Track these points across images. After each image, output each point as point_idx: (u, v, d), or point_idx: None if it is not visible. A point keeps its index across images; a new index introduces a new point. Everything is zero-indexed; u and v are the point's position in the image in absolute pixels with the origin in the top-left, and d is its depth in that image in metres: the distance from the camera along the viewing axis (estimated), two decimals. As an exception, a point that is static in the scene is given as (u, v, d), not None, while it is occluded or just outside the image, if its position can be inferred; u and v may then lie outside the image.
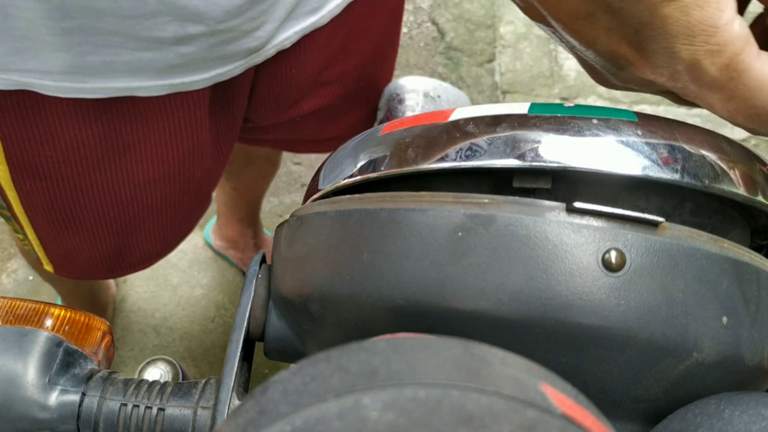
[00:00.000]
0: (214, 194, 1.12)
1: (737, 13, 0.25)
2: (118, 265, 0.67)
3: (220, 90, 0.56)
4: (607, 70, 0.29)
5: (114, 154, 0.55)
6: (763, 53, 0.25)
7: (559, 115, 0.27)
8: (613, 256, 0.24)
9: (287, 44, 0.58)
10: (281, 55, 0.57)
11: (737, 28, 0.24)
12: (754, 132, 0.27)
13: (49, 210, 0.58)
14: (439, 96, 0.70)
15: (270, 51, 0.56)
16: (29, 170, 0.54)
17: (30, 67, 0.46)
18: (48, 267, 0.67)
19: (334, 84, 0.67)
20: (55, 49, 0.45)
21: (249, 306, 0.32)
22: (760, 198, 0.28)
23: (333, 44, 0.61)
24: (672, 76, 0.26)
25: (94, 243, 0.62)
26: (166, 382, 0.31)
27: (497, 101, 1.55)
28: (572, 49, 0.29)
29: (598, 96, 1.58)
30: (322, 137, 0.76)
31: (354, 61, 0.66)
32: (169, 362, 1.11)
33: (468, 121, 0.28)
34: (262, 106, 0.63)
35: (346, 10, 0.59)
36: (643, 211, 0.25)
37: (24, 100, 0.48)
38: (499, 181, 0.29)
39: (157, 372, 1.09)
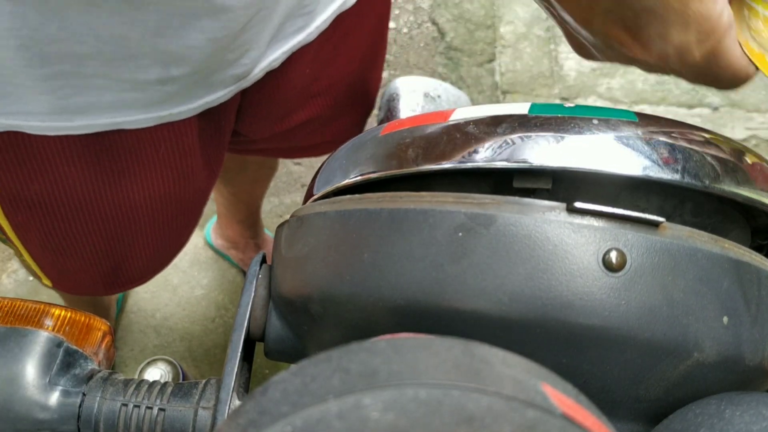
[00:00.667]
0: (211, 195, 1.12)
1: None
2: (115, 282, 0.67)
3: (208, 114, 0.55)
4: (596, 47, 0.30)
5: (104, 184, 0.55)
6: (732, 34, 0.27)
7: (559, 115, 0.27)
8: (613, 256, 0.24)
9: (276, 65, 0.57)
10: (269, 73, 0.57)
11: (725, 19, 0.26)
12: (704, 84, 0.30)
13: (43, 238, 0.58)
14: (439, 96, 0.70)
15: (258, 74, 0.56)
16: (20, 203, 0.54)
17: (15, 109, 0.46)
18: (46, 282, 0.68)
19: (324, 95, 0.67)
20: (38, 93, 0.45)
21: (249, 306, 0.32)
22: (760, 198, 0.28)
23: (321, 57, 0.61)
24: (659, 57, 0.28)
25: (90, 265, 0.63)
26: (166, 383, 0.31)
27: (497, 101, 1.54)
28: (563, 24, 0.30)
29: (598, 96, 1.58)
30: (315, 143, 0.76)
31: (343, 71, 0.66)
32: (170, 362, 1.11)
33: (468, 121, 0.28)
34: (251, 122, 0.63)
35: (335, 24, 0.59)
36: (643, 212, 0.25)
37: (12, 139, 0.48)
38: (499, 182, 0.29)
39: (157, 372, 1.09)
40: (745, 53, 0.27)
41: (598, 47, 0.30)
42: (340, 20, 0.59)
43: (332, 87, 0.66)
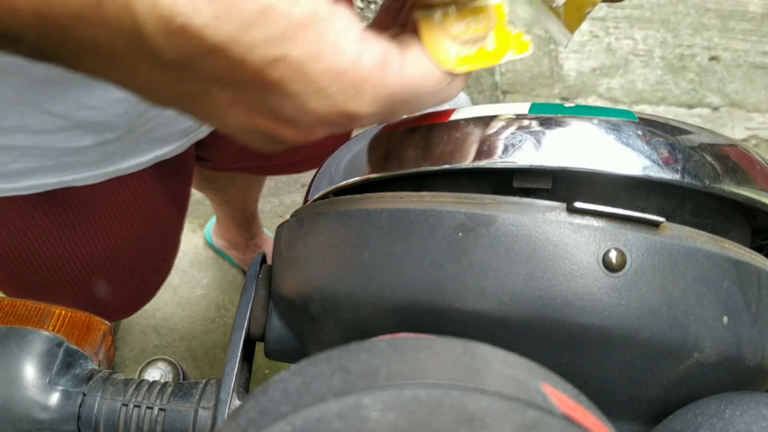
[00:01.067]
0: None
1: (367, 30, 0.23)
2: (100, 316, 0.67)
3: (162, 162, 0.53)
4: (265, 142, 0.25)
5: (65, 236, 0.54)
6: (409, 54, 0.24)
7: (559, 115, 0.27)
8: (613, 256, 0.24)
9: None
10: None
11: (368, 62, 0.22)
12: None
13: (12, 282, 0.58)
14: (439, 96, 0.69)
15: None
16: None
17: None
18: None
19: None
20: None
21: (249, 306, 0.32)
22: (760, 198, 0.28)
23: None
24: (326, 128, 0.23)
25: (65, 302, 0.62)
26: (166, 383, 0.31)
27: (497, 101, 1.54)
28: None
29: (599, 96, 1.58)
30: (296, 160, 0.74)
31: None
32: (170, 362, 1.11)
33: (468, 121, 0.28)
34: (215, 153, 0.61)
35: None
36: (643, 211, 0.25)
37: None
38: (499, 182, 0.29)
39: (157, 372, 1.09)
40: (448, 63, 0.24)
41: (263, 141, 0.25)
42: None
43: None
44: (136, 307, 0.70)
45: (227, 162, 0.68)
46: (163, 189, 0.58)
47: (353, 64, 0.21)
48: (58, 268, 0.57)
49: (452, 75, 0.24)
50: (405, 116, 0.29)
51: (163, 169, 0.55)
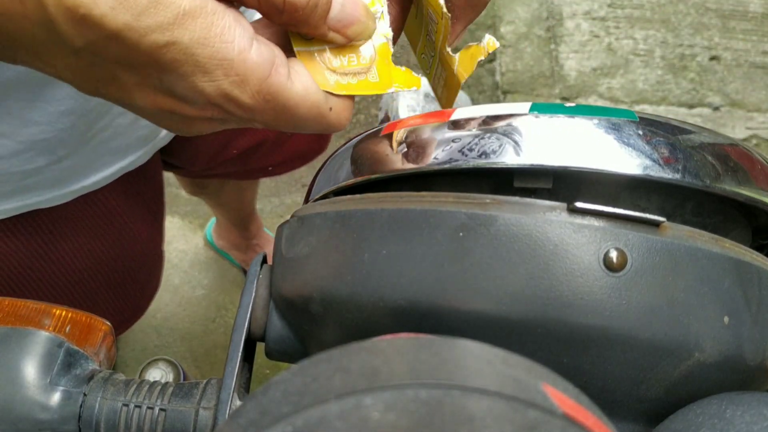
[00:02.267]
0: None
1: (260, 35, 0.25)
2: None
3: (129, 174, 0.54)
4: (172, 122, 0.27)
5: (39, 257, 0.53)
6: (295, 68, 0.26)
7: (560, 115, 0.27)
8: (614, 256, 0.24)
9: None
10: None
11: (255, 57, 0.24)
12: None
13: None
14: (439, 96, 0.70)
15: None
16: None
17: None
18: None
19: None
20: None
21: (250, 306, 0.32)
22: (761, 197, 0.28)
23: None
24: (217, 110, 0.26)
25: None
26: (167, 383, 0.31)
27: (498, 101, 1.54)
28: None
29: (599, 96, 1.58)
30: (276, 162, 0.74)
31: None
32: (170, 363, 1.11)
33: (469, 121, 0.28)
34: (186, 159, 0.61)
35: None
36: (644, 211, 0.25)
37: None
38: (500, 181, 0.28)
39: (158, 372, 1.09)
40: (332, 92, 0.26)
41: (165, 120, 0.27)
42: None
43: None
44: (126, 325, 0.68)
45: (201, 168, 0.67)
46: (135, 201, 0.57)
47: (240, 54, 0.24)
48: (39, 290, 0.56)
49: (335, 98, 0.27)
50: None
51: (130, 181, 0.54)
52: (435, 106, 0.70)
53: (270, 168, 0.76)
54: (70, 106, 0.43)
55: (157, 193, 0.61)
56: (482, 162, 0.26)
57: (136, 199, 0.57)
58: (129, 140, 0.50)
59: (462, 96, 0.72)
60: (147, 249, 0.63)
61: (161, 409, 0.29)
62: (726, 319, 0.25)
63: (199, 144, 0.59)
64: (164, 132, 0.53)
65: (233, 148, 0.65)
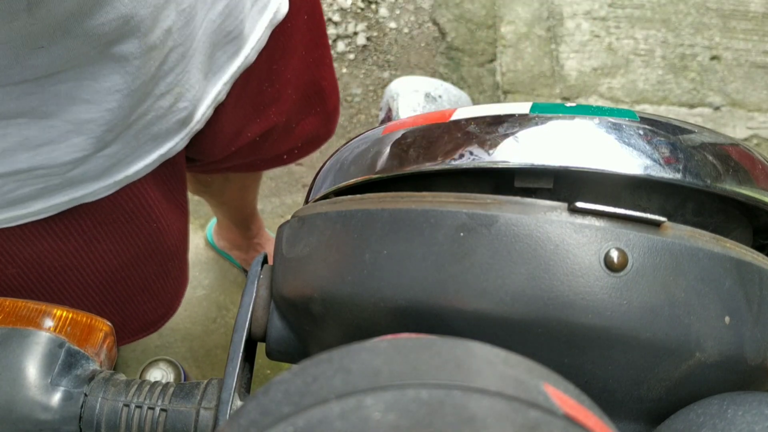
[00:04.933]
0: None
1: None
2: (119, 337, 0.66)
3: (161, 167, 0.54)
4: None
5: (79, 254, 0.54)
6: None
7: (560, 114, 0.27)
8: (615, 255, 0.24)
9: (222, 97, 0.55)
10: None
11: None
12: None
13: None
14: (440, 96, 0.70)
15: (207, 113, 0.54)
16: (2, 287, 0.54)
17: None
18: None
19: (273, 104, 0.65)
20: None
21: (251, 307, 0.32)
22: (762, 197, 0.28)
23: (259, 71, 0.60)
24: None
25: None
26: (167, 383, 0.31)
27: (498, 101, 1.54)
28: None
29: (600, 96, 1.58)
30: (284, 151, 0.75)
31: (285, 76, 0.65)
32: (171, 363, 1.11)
33: (469, 121, 0.28)
34: (203, 149, 0.62)
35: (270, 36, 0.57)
36: (645, 211, 0.25)
37: None
38: (500, 181, 0.28)
39: (158, 373, 1.09)
40: None
41: None
42: (273, 32, 0.58)
43: (279, 94, 0.65)
44: (159, 324, 0.69)
45: (216, 160, 0.68)
46: (166, 196, 0.58)
47: None
48: (77, 290, 0.56)
49: None
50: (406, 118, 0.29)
51: (162, 174, 0.55)
52: (435, 107, 0.70)
53: (283, 156, 0.77)
54: (116, 82, 0.43)
55: (183, 188, 0.62)
56: (483, 162, 0.26)
57: (167, 189, 0.58)
58: (168, 124, 0.51)
59: (462, 96, 0.72)
60: (178, 244, 0.63)
61: (162, 410, 0.29)
62: (727, 319, 0.25)
63: (216, 130, 0.60)
64: (200, 114, 0.54)
65: (248, 132, 0.65)
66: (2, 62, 0.37)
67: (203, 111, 0.54)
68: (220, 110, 0.57)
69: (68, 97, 0.42)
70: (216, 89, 0.55)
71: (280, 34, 0.60)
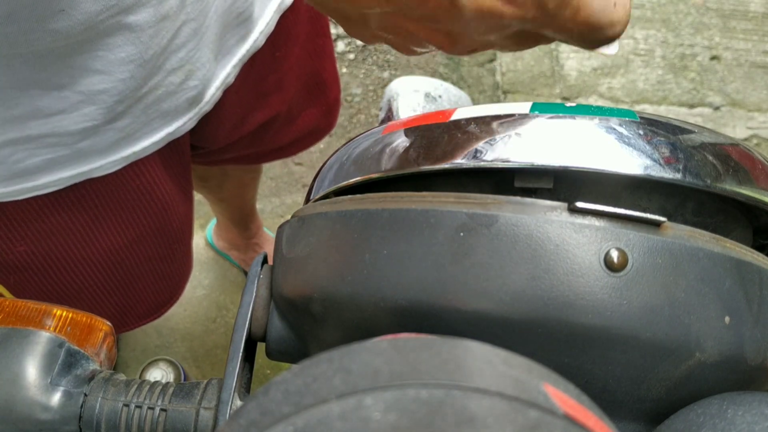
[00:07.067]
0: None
1: None
2: (125, 321, 0.66)
3: (166, 147, 0.55)
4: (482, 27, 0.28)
5: (86, 231, 0.54)
6: None
7: (560, 114, 0.27)
8: (615, 255, 0.24)
9: (231, 80, 0.56)
10: None
11: None
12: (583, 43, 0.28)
13: (39, 293, 0.58)
14: (440, 96, 0.70)
15: (216, 95, 0.55)
16: (9, 267, 0.54)
17: None
18: None
19: (275, 92, 0.66)
20: None
21: (250, 307, 0.32)
22: (762, 197, 0.28)
23: (263, 57, 0.61)
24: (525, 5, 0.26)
25: (92, 308, 0.62)
26: (167, 383, 0.31)
27: (498, 101, 1.54)
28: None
29: (600, 96, 1.58)
30: (285, 143, 0.75)
31: (288, 64, 0.65)
32: (171, 363, 1.11)
33: (469, 121, 0.28)
34: (207, 135, 0.62)
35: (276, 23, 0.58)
36: (645, 211, 0.25)
37: None
38: (501, 181, 0.28)
39: (158, 372, 1.09)
40: None
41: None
42: (279, 19, 0.59)
43: (281, 82, 0.65)
44: (164, 308, 0.70)
45: (218, 148, 0.68)
46: (171, 177, 0.58)
47: None
48: (83, 270, 0.57)
49: None
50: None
51: (167, 155, 0.56)
52: (435, 107, 0.70)
53: (283, 148, 0.77)
54: (129, 53, 0.44)
55: (188, 173, 0.63)
56: (483, 162, 0.26)
57: (173, 177, 0.58)
58: (178, 101, 0.51)
59: (462, 96, 0.72)
60: (183, 228, 0.64)
61: (162, 410, 0.29)
62: (727, 319, 0.25)
63: (221, 116, 0.60)
64: (209, 95, 0.54)
65: (251, 120, 0.66)
66: (25, 25, 0.37)
67: (212, 92, 0.54)
68: (225, 95, 0.58)
69: (81, 69, 0.42)
70: (225, 71, 0.55)
71: (284, 21, 0.60)
